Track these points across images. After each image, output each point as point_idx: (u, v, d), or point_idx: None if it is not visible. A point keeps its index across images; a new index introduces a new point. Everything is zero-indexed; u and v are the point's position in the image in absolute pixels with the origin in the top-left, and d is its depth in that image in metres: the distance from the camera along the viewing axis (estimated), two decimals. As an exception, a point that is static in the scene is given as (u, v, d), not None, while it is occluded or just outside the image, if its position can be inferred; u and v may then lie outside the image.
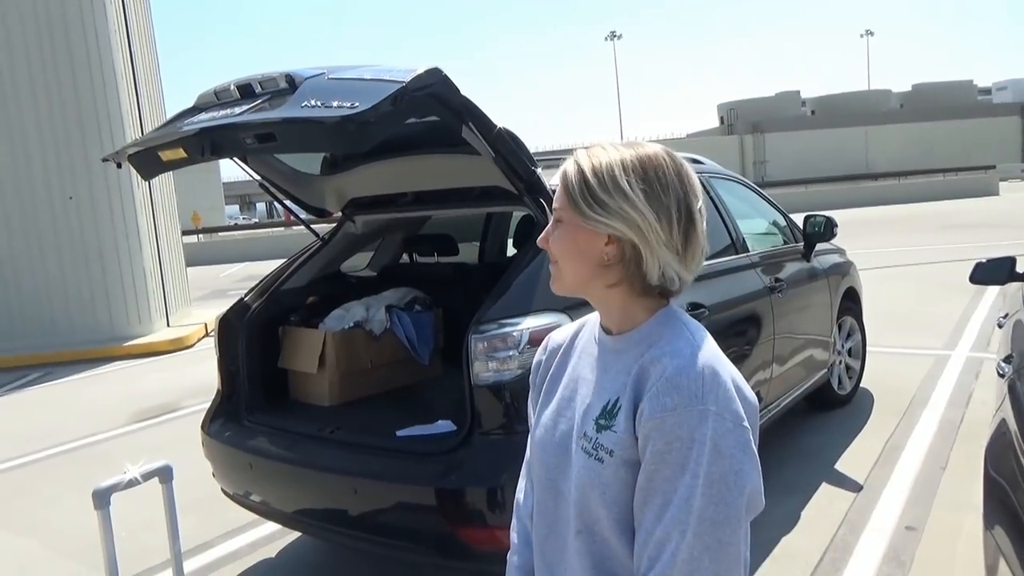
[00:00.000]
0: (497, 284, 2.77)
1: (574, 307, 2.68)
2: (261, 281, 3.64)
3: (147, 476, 1.72)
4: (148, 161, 2.82)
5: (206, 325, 10.54)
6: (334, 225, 3.92)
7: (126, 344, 9.49)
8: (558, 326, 1.43)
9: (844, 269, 5.26)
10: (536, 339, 2.55)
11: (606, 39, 69.98)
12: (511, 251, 5.23)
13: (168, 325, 10.43)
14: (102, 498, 1.60)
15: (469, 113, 2.53)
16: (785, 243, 4.75)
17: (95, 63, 9.39)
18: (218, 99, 2.71)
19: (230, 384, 3.42)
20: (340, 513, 2.84)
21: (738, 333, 3.66)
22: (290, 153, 3.31)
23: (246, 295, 3.57)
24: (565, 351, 1.28)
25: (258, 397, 3.42)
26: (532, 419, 1.28)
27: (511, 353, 2.55)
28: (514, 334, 2.56)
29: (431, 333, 3.70)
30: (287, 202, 3.71)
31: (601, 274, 1.10)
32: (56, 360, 9.08)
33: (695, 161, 4.13)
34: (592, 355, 1.19)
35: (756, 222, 4.81)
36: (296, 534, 3.68)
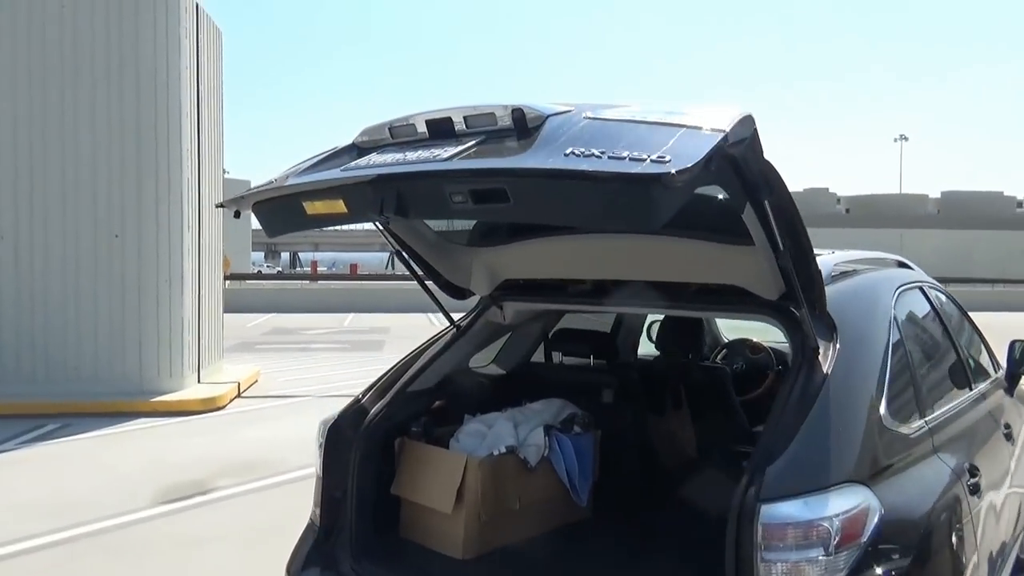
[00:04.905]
0: (769, 424, 1.93)
1: (876, 474, 1.87)
2: (381, 377, 2.82)
3: None
4: (285, 212, 2.07)
5: (239, 384, 9.75)
6: (473, 310, 3.10)
7: (153, 400, 8.68)
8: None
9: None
10: (851, 534, 1.71)
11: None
12: (643, 348, 4.43)
13: (199, 381, 9.62)
14: None
15: (768, 186, 1.75)
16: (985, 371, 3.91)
17: (162, 100, 8.87)
18: (393, 137, 1.96)
19: (331, 515, 2.57)
20: None
21: (994, 485, 2.78)
22: (522, 221, 2.48)
23: (363, 395, 2.74)
24: None
25: (368, 536, 2.57)
26: None
27: (814, 554, 1.69)
28: (822, 524, 1.70)
29: (591, 464, 2.84)
30: (427, 281, 2.90)
31: None
32: (76, 410, 8.25)
33: (903, 265, 3.33)
34: None
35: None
36: None
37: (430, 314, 21.66)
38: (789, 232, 1.89)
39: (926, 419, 2.40)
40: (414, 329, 18.34)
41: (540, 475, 2.72)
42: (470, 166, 1.67)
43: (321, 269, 48.53)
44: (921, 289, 3.16)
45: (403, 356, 2.95)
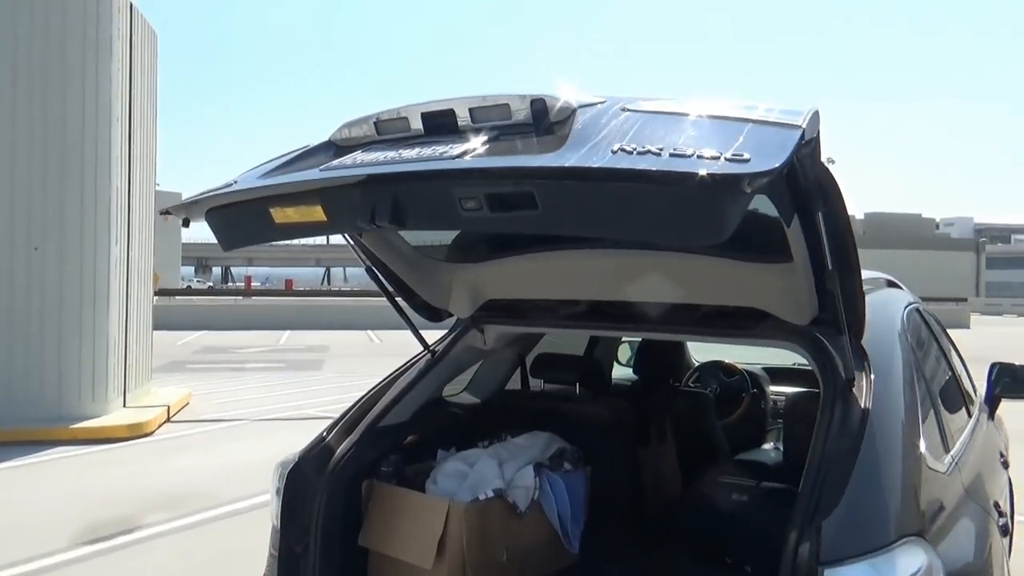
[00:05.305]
0: (810, 470, 1.69)
1: (929, 524, 1.65)
2: (348, 411, 2.49)
3: None
4: (247, 221, 1.75)
5: (169, 408, 9.13)
6: (450, 333, 2.79)
7: (74, 426, 8.01)
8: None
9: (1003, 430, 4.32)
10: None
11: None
12: (617, 374, 4.19)
13: (125, 405, 8.97)
14: None
15: (823, 195, 1.52)
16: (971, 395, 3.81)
17: (90, 104, 8.27)
18: (380, 133, 1.67)
19: (289, 573, 2.22)
20: None
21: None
22: (550, 232, 2.17)
23: (328, 432, 2.40)
24: None
25: (333, 594, 2.22)
26: None
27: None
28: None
29: (583, 505, 2.56)
30: (397, 298, 2.58)
31: None
32: (-14, 439, 7.55)
33: (892, 285, 3.18)
34: None
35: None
36: None
37: (370, 331, 21.13)
38: (839, 249, 1.67)
39: (951, 453, 2.22)
40: (354, 347, 17.82)
41: (529, 520, 2.43)
42: (490, 165, 1.39)
43: (255, 284, 47.14)
44: (918, 310, 3.01)
45: (373, 385, 2.62)
